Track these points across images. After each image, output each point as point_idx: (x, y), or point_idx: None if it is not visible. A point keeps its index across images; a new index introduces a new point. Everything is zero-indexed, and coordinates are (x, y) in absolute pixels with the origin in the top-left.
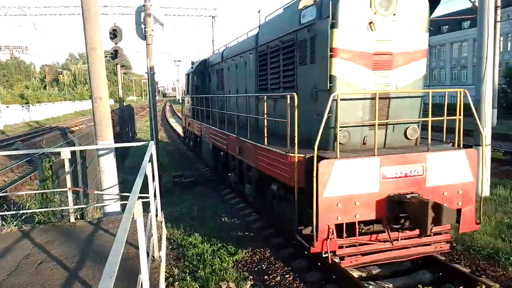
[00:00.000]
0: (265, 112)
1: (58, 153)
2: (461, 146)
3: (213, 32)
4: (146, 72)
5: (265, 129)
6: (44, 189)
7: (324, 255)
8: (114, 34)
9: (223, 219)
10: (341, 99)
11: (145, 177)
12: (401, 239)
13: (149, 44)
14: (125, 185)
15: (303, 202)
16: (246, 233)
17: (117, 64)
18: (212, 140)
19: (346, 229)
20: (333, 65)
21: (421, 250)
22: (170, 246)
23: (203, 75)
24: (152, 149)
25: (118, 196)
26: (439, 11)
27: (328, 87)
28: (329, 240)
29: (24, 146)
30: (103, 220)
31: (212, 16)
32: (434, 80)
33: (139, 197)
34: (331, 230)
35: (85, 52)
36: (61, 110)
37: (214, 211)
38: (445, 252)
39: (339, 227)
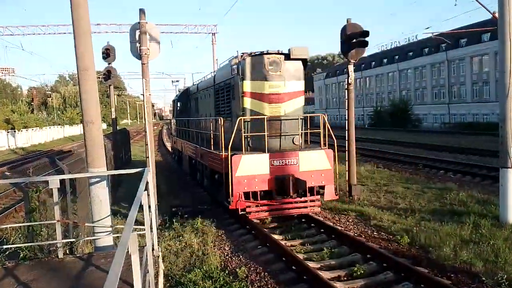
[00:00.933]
0: (211, 129)
1: (46, 182)
2: (323, 147)
3: (214, 49)
4: (141, 94)
5: (211, 140)
6: (31, 222)
7: (240, 212)
8: (107, 53)
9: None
10: (244, 121)
11: (141, 207)
12: (287, 203)
13: (144, 64)
14: (118, 216)
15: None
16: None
17: (110, 85)
18: (188, 152)
19: (255, 197)
20: (244, 101)
21: (300, 210)
22: (168, 284)
23: (185, 101)
24: (148, 176)
25: (111, 229)
26: (455, 25)
27: (241, 114)
28: (239, 201)
29: (10, 175)
30: (94, 255)
31: (212, 33)
32: (454, 97)
33: (134, 230)
34: (240, 195)
35: (76, 73)
36: (49, 135)
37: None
38: (316, 212)
39: (248, 195)
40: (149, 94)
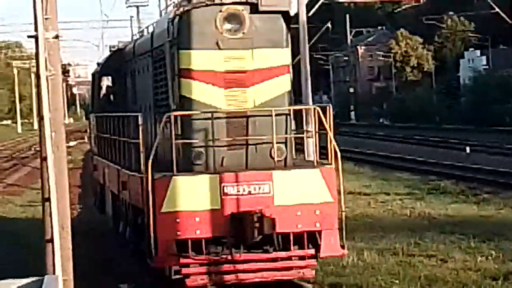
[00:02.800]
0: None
1: None
2: (319, 164)
3: None
4: (30, 36)
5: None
6: None
7: (170, 274)
8: None
9: None
10: (182, 120)
11: None
12: (256, 261)
13: None
14: None
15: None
16: None
17: None
18: (111, 186)
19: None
20: (183, 85)
21: (279, 274)
22: None
23: (117, 77)
24: None
25: None
26: None
27: (177, 107)
28: (167, 256)
29: None
30: None
31: None
32: None
33: None
34: (169, 246)
35: None
36: None
37: None
38: (309, 278)
39: (184, 246)
40: (57, 37)
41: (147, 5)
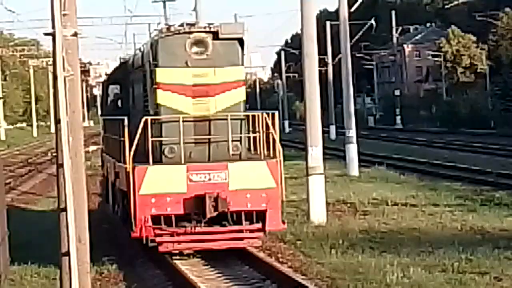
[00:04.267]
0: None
1: None
2: (265, 157)
3: None
4: (45, 33)
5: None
6: None
7: (146, 242)
8: None
9: None
10: (157, 122)
11: None
12: (215, 233)
13: None
14: None
15: None
16: None
17: None
18: (111, 177)
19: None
20: (158, 96)
21: (232, 243)
22: None
23: (122, 85)
24: None
25: None
26: None
27: (154, 112)
28: (144, 228)
29: None
30: None
31: None
32: None
33: None
34: (145, 219)
35: None
36: None
37: None
38: (255, 247)
39: (159, 220)
40: (75, 34)
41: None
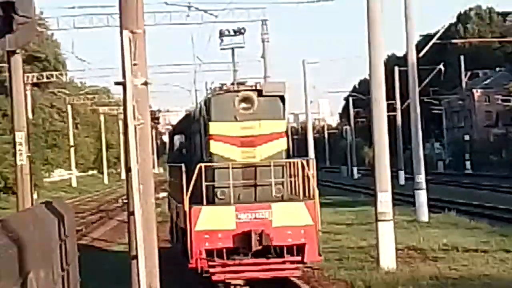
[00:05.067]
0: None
1: None
2: (303, 198)
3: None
4: (116, 83)
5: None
6: None
7: (201, 272)
8: None
9: None
10: (211, 168)
11: None
12: (261, 264)
13: None
14: None
15: None
16: None
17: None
18: (176, 220)
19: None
20: (211, 145)
21: (276, 273)
22: None
23: (187, 134)
24: None
25: None
26: None
27: (208, 160)
28: (199, 260)
29: None
30: None
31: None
32: None
33: None
34: (200, 252)
35: None
36: None
37: None
38: (296, 276)
39: (212, 254)
40: (146, 83)
41: (243, 47)
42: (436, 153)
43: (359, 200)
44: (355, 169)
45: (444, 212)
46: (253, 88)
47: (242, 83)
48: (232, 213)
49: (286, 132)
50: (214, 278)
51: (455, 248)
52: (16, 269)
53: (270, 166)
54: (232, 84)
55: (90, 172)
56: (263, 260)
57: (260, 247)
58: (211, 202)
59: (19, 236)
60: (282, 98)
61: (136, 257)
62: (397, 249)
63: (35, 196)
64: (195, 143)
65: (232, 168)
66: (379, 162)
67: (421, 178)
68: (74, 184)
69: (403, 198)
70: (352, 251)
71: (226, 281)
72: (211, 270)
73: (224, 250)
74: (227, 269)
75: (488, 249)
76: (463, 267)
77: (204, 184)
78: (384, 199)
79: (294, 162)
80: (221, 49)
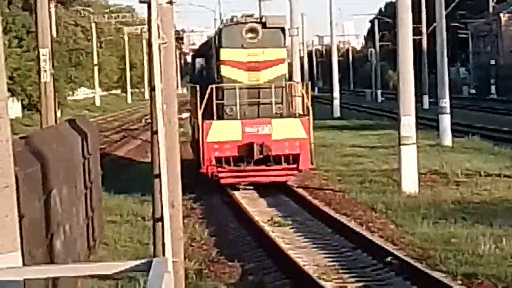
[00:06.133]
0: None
1: None
2: (298, 115)
3: None
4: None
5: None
6: None
7: (211, 177)
8: None
9: None
10: (221, 89)
11: None
12: (261, 170)
13: None
14: None
15: None
16: None
17: None
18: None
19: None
20: (221, 69)
21: (274, 178)
22: None
23: (206, 59)
24: None
25: None
26: None
27: (218, 82)
28: (210, 166)
29: None
30: None
31: None
32: None
33: None
34: (210, 160)
35: None
36: None
37: None
38: (291, 179)
39: (221, 161)
40: (171, 2)
41: None
42: (462, 78)
43: (382, 123)
44: (379, 93)
45: (468, 137)
46: (258, 20)
47: (250, 15)
48: (238, 127)
49: (285, 59)
50: (222, 181)
51: (477, 172)
52: (40, 185)
53: (271, 87)
54: (242, 16)
55: (114, 92)
56: (264, 167)
57: (261, 156)
58: (221, 117)
59: (43, 153)
60: (283, 30)
61: (159, 175)
62: (419, 173)
63: (58, 114)
64: (210, 66)
65: (239, 88)
66: (403, 85)
67: (445, 102)
68: (97, 103)
69: (427, 122)
70: (374, 174)
71: (232, 184)
72: (220, 175)
73: (231, 158)
74: (233, 174)
75: (511, 174)
76: (485, 192)
77: (214, 102)
78: (408, 122)
79: (293, 85)
80: None
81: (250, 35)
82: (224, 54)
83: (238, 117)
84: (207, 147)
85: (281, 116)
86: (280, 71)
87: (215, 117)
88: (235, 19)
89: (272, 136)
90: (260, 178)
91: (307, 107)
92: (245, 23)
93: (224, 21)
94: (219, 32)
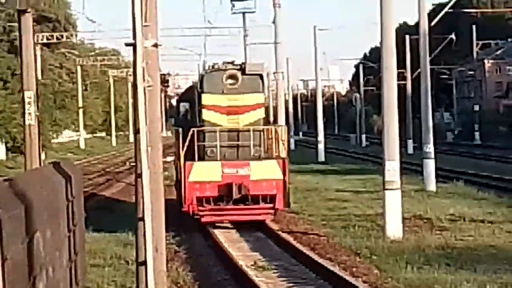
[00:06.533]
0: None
1: None
2: (275, 157)
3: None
4: (126, 44)
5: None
6: None
7: (192, 215)
8: None
9: None
10: (202, 132)
11: None
12: (240, 209)
13: None
14: None
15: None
16: None
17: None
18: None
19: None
20: (203, 113)
21: (252, 217)
22: None
23: (190, 103)
24: None
25: None
26: None
27: (200, 125)
28: (191, 205)
29: None
30: None
31: None
32: None
33: None
34: (192, 199)
35: None
36: None
37: None
38: (269, 218)
39: (202, 201)
40: (156, 45)
41: (254, 11)
42: (446, 123)
43: (367, 168)
44: (363, 137)
45: (452, 182)
46: (238, 67)
47: (230, 62)
48: (218, 168)
49: (264, 103)
50: (202, 220)
51: (462, 218)
52: (23, 228)
53: (250, 131)
54: (223, 63)
55: (98, 134)
56: (242, 206)
57: (239, 196)
58: (202, 158)
59: (27, 196)
60: (261, 76)
61: (142, 219)
62: (403, 218)
63: (43, 156)
64: (193, 110)
65: (219, 131)
66: (388, 130)
67: (429, 147)
68: (82, 145)
69: (411, 167)
70: (359, 219)
71: (212, 222)
72: (200, 213)
73: (211, 198)
74: (213, 212)
75: (494, 220)
76: (469, 238)
77: (196, 144)
78: (392, 167)
79: (270, 128)
80: (233, 13)
81: (230, 81)
82: (206, 99)
83: (218, 158)
84: (188, 187)
85: (259, 158)
86: (258, 115)
87: (196, 158)
88: (216, 66)
89: (250, 177)
90: (239, 217)
91: (283, 150)
92: (226, 69)
93: (206, 67)
94: (201, 78)
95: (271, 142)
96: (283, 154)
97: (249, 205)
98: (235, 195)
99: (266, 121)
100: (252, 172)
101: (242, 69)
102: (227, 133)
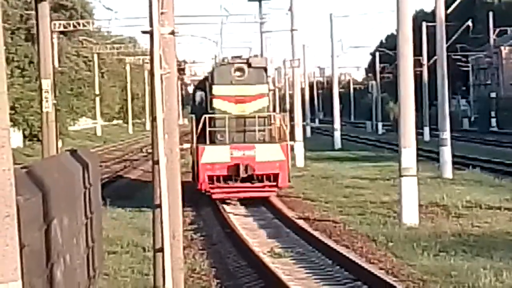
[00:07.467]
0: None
1: None
2: (279, 141)
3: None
4: (143, 31)
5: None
6: None
7: (204, 191)
8: None
9: None
10: (213, 119)
11: None
12: (247, 187)
13: None
14: None
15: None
16: None
17: None
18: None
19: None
20: (213, 102)
21: (258, 194)
22: None
23: (205, 92)
24: None
25: None
26: None
27: (211, 113)
28: (203, 183)
29: None
30: None
31: None
32: None
33: None
34: (204, 178)
35: None
36: None
37: None
38: (272, 195)
39: (213, 179)
40: (173, 32)
41: None
42: (462, 110)
43: (383, 155)
44: (380, 125)
45: (468, 169)
46: (245, 61)
47: (238, 57)
48: (227, 151)
49: (267, 93)
50: (213, 196)
51: (478, 205)
52: (41, 215)
53: (255, 117)
54: (233, 57)
55: (115, 122)
56: (249, 184)
57: (246, 175)
58: (213, 142)
59: (44, 183)
60: (265, 69)
61: (159, 205)
62: (420, 205)
63: (60, 144)
64: (206, 99)
65: (228, 118)
66: (404, 117)
67: (446, 134)
68: (98, 133)
69: (427, 154)
70: (375, 206)
71: (222, 199)
72: (212, 190)
73: (221, 177)
74: (223, 190)
75: (511, 207)
76: (486, 224)
77: (208, 129)
78: (408, 154)
79: (273, 115)
80: (249, 0)
81: (237, 73)
82: (216, 89)
83: (227, 142)
84: (201, 168)
85: (264, 141)
86: (263, 103)
87: (208, 142)
88: (225, 60)
89: (256, 158)
90: (246, 194)
91: (285, 134)
92: (234, 63)
93: (217, 59)
94: (212, 71)
95: (274, 128)
96: (285, 138)
97: (254, 183)
98: (242, 174)
99: (272, 109)
100: (257, 154)
101: (248, 63)
102: (235, 120)
